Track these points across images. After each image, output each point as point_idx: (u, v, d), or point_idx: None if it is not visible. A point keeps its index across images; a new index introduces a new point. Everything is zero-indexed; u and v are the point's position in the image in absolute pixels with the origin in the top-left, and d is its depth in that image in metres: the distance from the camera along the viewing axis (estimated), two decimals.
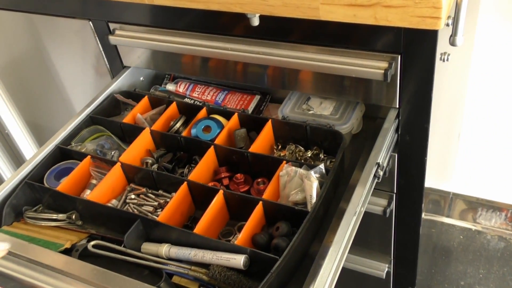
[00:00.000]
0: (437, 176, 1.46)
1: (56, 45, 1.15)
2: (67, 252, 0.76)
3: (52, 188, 0.83)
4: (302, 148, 0.87)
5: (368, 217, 0.99)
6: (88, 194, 0.83)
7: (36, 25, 1.13)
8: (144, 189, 0.85)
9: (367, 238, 1.09)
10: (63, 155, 0.90)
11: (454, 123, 1.41)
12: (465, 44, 1.26)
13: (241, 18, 0.80)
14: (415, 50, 0.75)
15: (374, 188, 0.96)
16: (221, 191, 0.77)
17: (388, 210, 0.96)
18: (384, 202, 0.97)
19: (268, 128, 0.87)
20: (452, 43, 0.73)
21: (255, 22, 0.80)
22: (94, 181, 0.86)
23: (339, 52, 0.81)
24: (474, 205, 1.72)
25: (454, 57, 1.10)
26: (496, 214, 1.70)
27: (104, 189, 0.82)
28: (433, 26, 0.66)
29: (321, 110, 0.90)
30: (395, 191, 0.96)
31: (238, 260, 0.67)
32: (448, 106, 1.25)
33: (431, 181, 1.38)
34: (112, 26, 1.00)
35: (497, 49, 1.30)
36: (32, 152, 1.54)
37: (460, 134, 1.55)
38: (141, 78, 1.10)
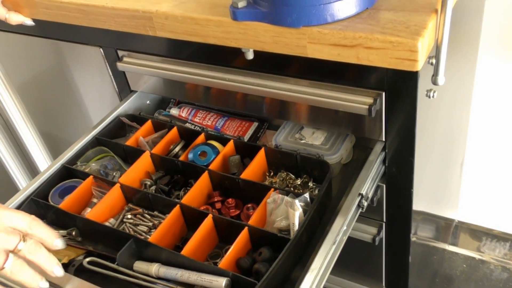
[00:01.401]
0: (441, 204, 1.48)
1: (77, 64, 1.22)
2: (64, 266, 0.80)
3: (55, 205, 0.88)
4: (293, 176, 0.91)
5: (360, 244, 1.03)
6: (88, 212, 0.89)
7: (57, 44, 1.20)
8: (140, 210, 0.89)
9: (358, 264, 1.12)
10: (68, 174, 0.96)
11: (457, 152, 1.43)
12: (467, 74, 1.29)
13: (238, 52, 0.85)
14: (399, 88, 0.79)
15: (365, 217, 1.00)
16: (210, 215, 0.81)
17: (377, 238, 0.99)
18: (374, 230, 1.00)
19: (261, 155, 0.92)
20: (434, 82, 0.77)
21: (250, 56, 0.85)
22: (95, 200, 0.91)
23: (329, 86, 0.85)
24: (479, 234, 1.73)
25: (454, 88, 1.13)
26: (500, 244, 1.70)
27: (103, 208, 0.87)
28: (411, 68, 0.70)
29: (313, 140, 0.94)
30: (384, 220, 0.98)
31: (220, 283, 0.71)
32: (450, 135, 1.28)
33: (435, 208, 1.40)
34: (120, 53, 1.06)
35: (499, 80, 1.33)
36: (47, 165, 1.62)
37: (463, 162, 1.56)
38: (148, 102, 1.16)
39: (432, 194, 1.23)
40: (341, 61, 0.75)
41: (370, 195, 0.85)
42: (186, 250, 0.77)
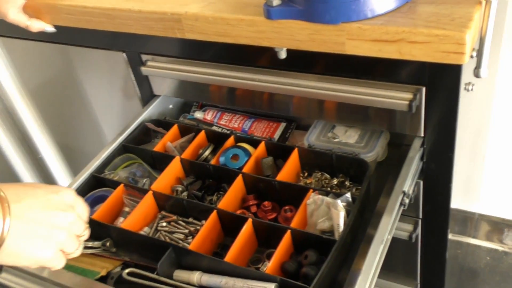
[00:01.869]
0: (463, 197, 1.46)
1: (87, 71, 1.21)
2: (103, 279, 0.79)
3: None
4: (328, 176, 0.89)
5: (394, 242, 1.00)
6: (121, 222, 0.87)
7: (68, 50, 1.18)
8: (175, 217, 0.87)
9: (393, 263, 1.09)
10: (97, 183, 0.94)
11: (479, 146, 1.42)
12: (490, 67, 1.27)
13: (268, 51, 0.83)
14: (440, 82, 0.77)
15: (401, 214, 0.98)
16: (250, 220, 0.79)
17: (413, 236, 0.97)
18: (409, 227, 0.98)
19: (294, 156, 0.90)
20: (477, 75, 0.75)
21: (283, 55, 0.83)
22: (127, 209, 0.89)
23: (365, 83, 0.83)
24: (500, 226, 1.71)
25: (479, 84, 1.11)
26: None
27: (137, 217, 0.85)
28: (457, 61, 0.68)
29: (346, 138, 0.92)
30: (420, 217, 0.97)
31: None
32: (473, 130, 1.26)
33: (457, 202, 1.38)
34: (144, 57, 1.04)
35: None
36: (64, 176, 1.60)
37: (485, 156, 1.55)
38: (171, 106, 1.14)
39: (455, 189, 1.21)
40: (382, 56, 0.73)
41: (410, 192, 0.84)
42: (228, 257, 0.75)
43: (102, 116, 1.34)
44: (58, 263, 0.58)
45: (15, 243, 0.53)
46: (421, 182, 0.90)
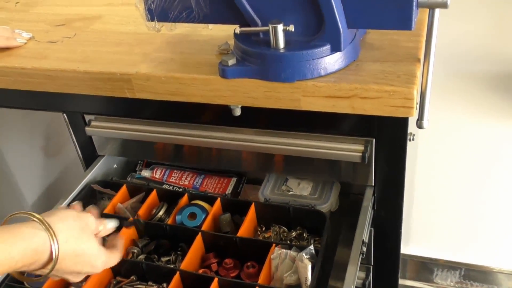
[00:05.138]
0: None
1: (3, 132, 1.15)
2: None
3: None
4: (286, 229, 0.90)
5: None
6: None
7: None
8: (133, 277, 0.83)
9: None
10: None
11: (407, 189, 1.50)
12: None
13: (222, 108, 0.84)
14: (388, 134, 0.82)
15: None
16: (216, 279, 0.77)
17: (366, 283, 1.00)
18: (362, 275, 1.01)
19: (252, 211, 0.90)
20: (419, 126, 0.81)
21: (237, 112, 0.85)
22: None
23: (315, 137, 0.87)
24: (430, 266, 1.80)
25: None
26: (451, 273, 1.78)
27: (92, 286, 0.80)
28: (406, 114, 0.74)
29: (301, 190, 0.94)
30: (372, 263, 1.00)
31: None
32: None
33: None
34: (87, 117, 1.01)
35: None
36: None
37: (413, 197, 1.64)
38: (115, 166, 1.10)
39: None
40: (335, 111, 0.77)
41: (366, 241, 0.87)
42: None
43: (21, 178, 1.26)
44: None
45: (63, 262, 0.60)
46: (372, 230, 0.94)
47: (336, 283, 0.83)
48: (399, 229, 0.92)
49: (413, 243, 1.77)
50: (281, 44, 0.73)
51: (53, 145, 1.14)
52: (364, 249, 0.83)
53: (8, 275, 0.82)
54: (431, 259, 1.79)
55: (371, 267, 1.00)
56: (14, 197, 1.31)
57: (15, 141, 1.16)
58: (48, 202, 1.27)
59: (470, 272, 1.72)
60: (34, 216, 0.59)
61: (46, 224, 0.58)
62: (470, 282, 1.73)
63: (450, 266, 1.78)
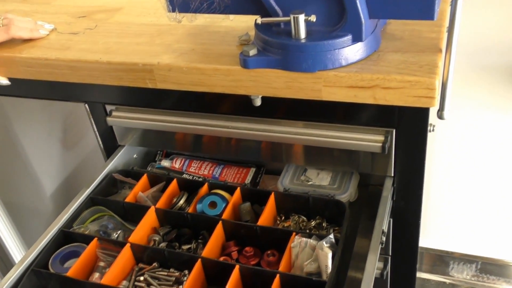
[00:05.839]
0: None
1: (23, 123, 1.17)
2: None
3: (61, 274, 0.82)
4: (305, 218, 0.91)
5: None
6: (97, 277, 0.83)
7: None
8: (155, 264, 0.85)
9: None
10: (66, 238, 0.90)
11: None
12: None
13: (242, 98, 0.85)
14: (408, 124, 0.82)
15: None
16: (237, 266, 0.79)
17: (385, 273, 1.00)
18: (380, 265, 1.01)
19: (271, 201, 0.91)
20: (440, 117, 0.81)
21: (258, 102, 0.85)
22: (101, 263, 0.86)
23: (336, 127, 0.87)
24: (446, 259, 1.79)
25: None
26: (467, 266, 1.78)
27: (116, 272, 0.82)
28: (427, 105, 0.74)
29: (320, 180, 0.95)
30: (390, 254, 1.00)
31: None
32: None
33: None
34: (108, 107, 1.03)
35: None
36: (7, 233, 1.49)
37: (430, 191, 1.64)
38: (135, 156, 1.12)
39: None
40: (356, 102, 0.77)
41: (386, 231, 0.87)
42: None
43: (39, 168, 1.28)
44: None
45: None
46: (391, 220, 0.94)
47: (355, 273, 0.83)
48: (418, 220, 0.92)
49: (429, 235, 1.77)
50: (303, 34, 0.74)
51: (71, 136, 1.16)
52: (384, 238, 0.84)
53: (35, 259, 0.84)
54: (447, 252, 1.79)
55: (389, 257, 1.00)
56: (33, 188, 1.33)
57: (33, 132, 1.18)
58: (66, 193, 1.29)
59: (487, 266, 1.72)
60: None
61: None
62: (487, 276, 1.73)
63: (466, 259, 1.77)
